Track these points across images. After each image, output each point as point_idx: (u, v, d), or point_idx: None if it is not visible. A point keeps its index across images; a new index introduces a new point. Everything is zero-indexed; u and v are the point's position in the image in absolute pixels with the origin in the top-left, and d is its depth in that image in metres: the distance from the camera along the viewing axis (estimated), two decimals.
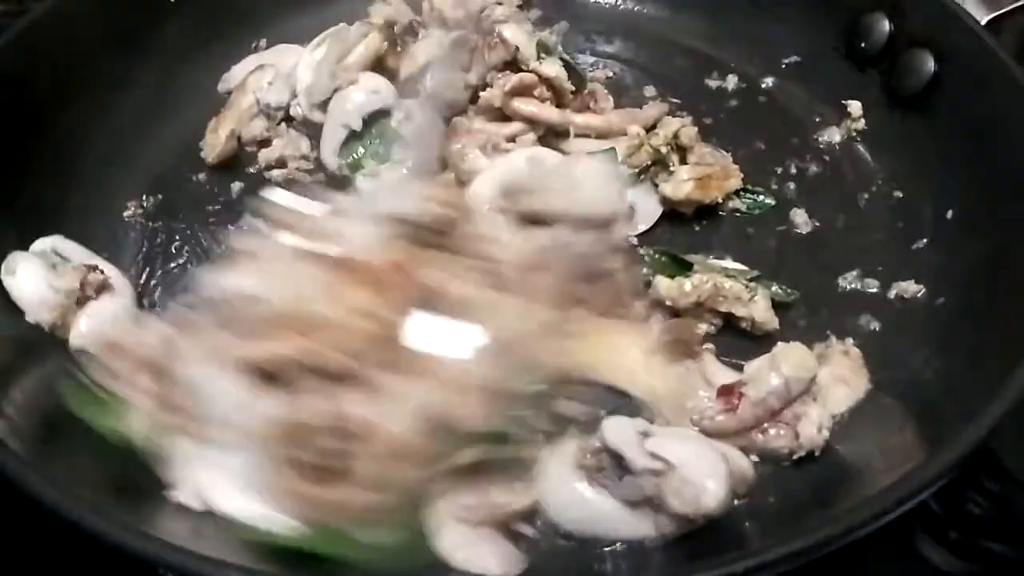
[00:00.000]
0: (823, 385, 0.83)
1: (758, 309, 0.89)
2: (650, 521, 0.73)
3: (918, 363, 0.86)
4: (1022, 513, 0.86)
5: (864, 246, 0.99)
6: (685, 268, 0.93)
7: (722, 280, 0.90)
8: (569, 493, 0.74)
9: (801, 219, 1.02)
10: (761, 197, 1.04)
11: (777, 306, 0.91)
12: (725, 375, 0.85)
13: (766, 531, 0.75)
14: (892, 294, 0.94)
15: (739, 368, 0.85)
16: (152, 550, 0.64)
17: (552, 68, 1.04)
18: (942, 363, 0.84)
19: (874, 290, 0.95)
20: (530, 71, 1.04)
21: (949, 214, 0.96)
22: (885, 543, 0.83)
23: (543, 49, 1.05)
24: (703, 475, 0.72)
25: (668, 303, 0.90)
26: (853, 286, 0.95)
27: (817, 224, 1.02)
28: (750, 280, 0.91)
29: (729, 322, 0.91)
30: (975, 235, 0.92)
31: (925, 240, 0.97)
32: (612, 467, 0.74)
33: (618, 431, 0.75)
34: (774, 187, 1.05)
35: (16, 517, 0.74)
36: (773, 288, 0.92)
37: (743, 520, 0.76)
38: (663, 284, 0.90)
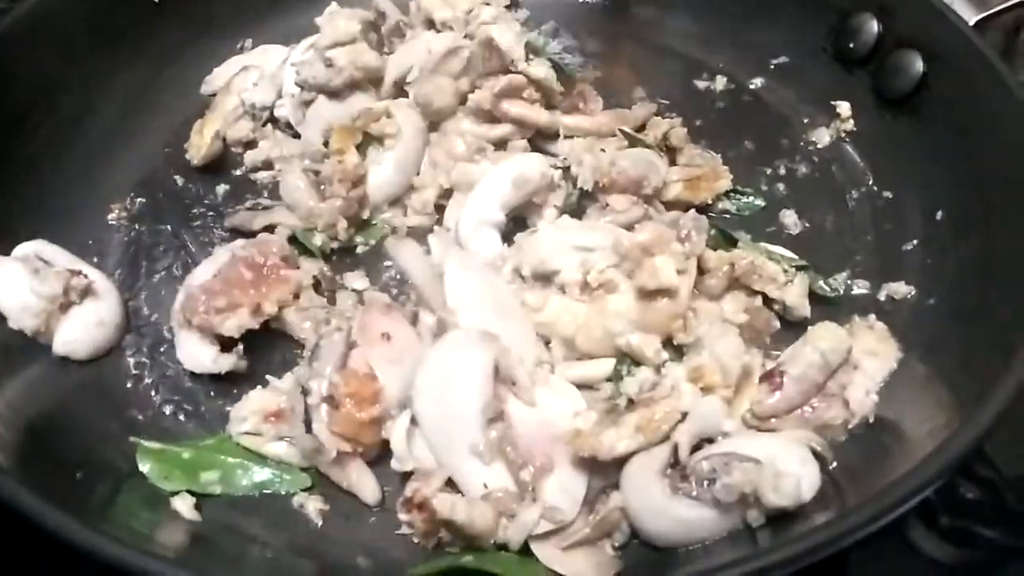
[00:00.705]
0: (856, 359, 0.85)
1: (791, 293, 0.90)
2: (737, 517, 0.73)
3: (909, 363, 0.86)
4: (1011, 505, 0.86)
5: (854, 247, 0.99)
6: (732, 244, 0.94)
7: (762, 260, 0.91)
8: (661, 514, 0.74)
9: (791, 220, 1.02)
10: (751, 198, 1.04)
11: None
12: None
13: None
14: (882, 295, 0.94)
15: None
16: (140, 563, 0.63)
17: (540, 69, 1.03)
18: (932, 364, 0.84)
19: (864, 291, 0.95)
20: (518, 72, 1.03)
21: (939, 215, 0.96)
22: (876, 534, 0.83)
23: (531, 50, 1.05)
24: (796, 465, 0.73)
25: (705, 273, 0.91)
26: (843, 287, 0.95)
27: (807, 225, 1.02)
28: (795, 268, 0.92)
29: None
30: (965, 235, 0.92)
31: (915, 241, 0.97)
32: (699, 474, 0.74)
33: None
34: (764, 188, 1.05)
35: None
36: (819, 283, 0.93)
37: None
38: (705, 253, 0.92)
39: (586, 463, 0.76)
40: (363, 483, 0.79)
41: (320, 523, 0.78)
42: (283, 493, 0.79)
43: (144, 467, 0.79)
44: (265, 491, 0.79)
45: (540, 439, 0.77)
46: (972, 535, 0.85)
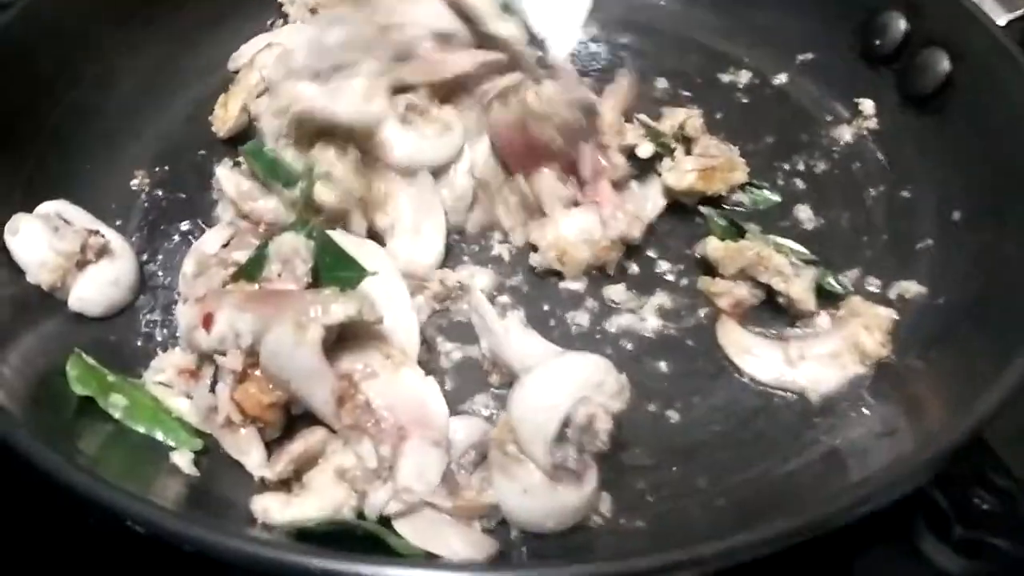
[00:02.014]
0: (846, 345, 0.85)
1: (796, 287, 0.89)
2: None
3: (911, 359, 0.85)
4: None
5: (868, 245, 0.98)
6: (740, 234, 0.94)
7: (769, 251, 0.90)
8: (548, 515, 0.72)
9: (806, 215, 1.01)
10: (766, 192, 1.03)
11: None
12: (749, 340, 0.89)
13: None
14: (893, 293, 0.93)
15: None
16: (146, 514, 0.65)
17: (508, 29, 0.97)
18: (935, 361, 0.83)
19: (875, 289, 0.94)
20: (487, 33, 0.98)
21: (955, 215, 0.95)
22: (888, 544, 0.83)
23: (504, 8, 0.98)
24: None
25: (712, 263, 0.92)
26: (854, 284, 0.94)
27: (822, 221, 1.01)
28: (804, 262, 0.92)
29: (771, 298, 0.91)
30: (979, 236, 0.91)
31: (929, 240, 0.96)
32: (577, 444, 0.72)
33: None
34: (781, 183, 1.05)
35: (10, 477, 0.75)
36: (827, 279, 0.92)
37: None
38: (711, 244, 0.93)
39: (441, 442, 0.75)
40: (250, 452, 0.77)
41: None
42: (171, 446, 0.79)
43: (71, 371, 0.81)
44: (155, 438, 0.79)
45: (401, 415, 0.75)
46: (985, 546, 0.83)
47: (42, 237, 0.88)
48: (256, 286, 0.81)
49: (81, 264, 0.88)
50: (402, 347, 0.81)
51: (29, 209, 0.92)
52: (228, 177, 0.93)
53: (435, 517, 0.71)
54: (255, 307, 0.75)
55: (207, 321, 0.76)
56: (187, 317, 0.81)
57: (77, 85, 1.02)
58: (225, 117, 1.09)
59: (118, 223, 0.98)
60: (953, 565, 0.82)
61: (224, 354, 0.76)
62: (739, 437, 0.83)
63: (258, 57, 1.11)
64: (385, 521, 0.72)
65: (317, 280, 0.82)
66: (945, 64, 1.01)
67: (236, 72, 1.13)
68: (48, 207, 0.92)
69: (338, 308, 0.73)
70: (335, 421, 0.74)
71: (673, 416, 0.84)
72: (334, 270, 0.83)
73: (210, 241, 0.93)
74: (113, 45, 1.06)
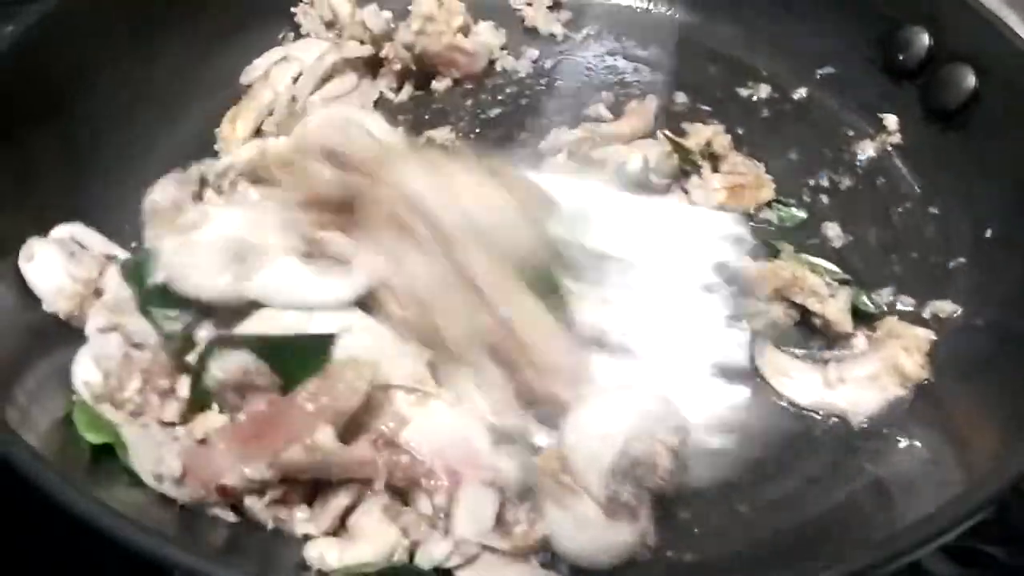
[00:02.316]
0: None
1: (832, 308, 0.88)
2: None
3: (950, 382, 0.84)
4: (1017, 524, 0.84)
5: (898, 263, 0.97)
6: (773, 254, 0.93)
7: (804, 272, 0.89)
8: (601, 551, 0.69)
9: (834, 232, 1.00)
10: (793, 209, 1.02)
11: None
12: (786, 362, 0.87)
13: None
14: (927, 313, 0.92)
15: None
16: (190, 563, 0.62)
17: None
18: (975, 384, 0.82)
19: (908, 308, 0.93)
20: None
21: (988, 232, 0.94)
22: None
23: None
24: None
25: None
26: (887, 303, 0.93)
27: (850, 238, 1.00)
28: (838, 282, 0.91)
29: (805, 319, 0.90)
30: (1015, 255, 0.90)
31: (962, 259, 0.95)
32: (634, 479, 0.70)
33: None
34: (806, 199, 1.03)
35: (27, 509, 0.72)
36: (861, 298, 0.91)
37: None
38: (745, 264, 0.91)
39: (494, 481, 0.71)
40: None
41: None
42: None
43: (77, 419, 0.76)
44: None
45: (448, 457, 0.72)
46: (979, 554, 0.83)
47: (58, 263, 0.84)
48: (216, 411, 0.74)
49: (99, 291, 0.85)
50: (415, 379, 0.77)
51: (42, 231, 0.88)
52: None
53: (493, 559, 0.69)
54: (258, 447, 0.69)
55: (222, 491, 0.70)
56: (187, 493, 0.71)
57: (89, 102, 0.98)
58: (232, 136, 1.05)
59: (133, 245, 0.94)
60: (947, 572, 0.82)
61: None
62: (780, 462, 0.81)
63: (273, 71, 1.08)
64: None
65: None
66: (970, 79, 1.00)
67: (250, 86, 1.10)
68: (63, 230, 0.89)
69: (343, 401, 0.70)
70: (388, 482, 0.71)
71: (713, 441, 0.83)
72: (296, 368, 0.73)
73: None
74: (127, 56, 1.02)
